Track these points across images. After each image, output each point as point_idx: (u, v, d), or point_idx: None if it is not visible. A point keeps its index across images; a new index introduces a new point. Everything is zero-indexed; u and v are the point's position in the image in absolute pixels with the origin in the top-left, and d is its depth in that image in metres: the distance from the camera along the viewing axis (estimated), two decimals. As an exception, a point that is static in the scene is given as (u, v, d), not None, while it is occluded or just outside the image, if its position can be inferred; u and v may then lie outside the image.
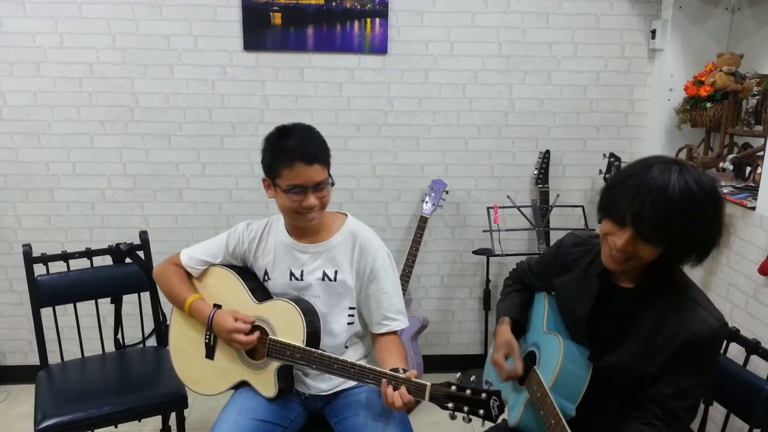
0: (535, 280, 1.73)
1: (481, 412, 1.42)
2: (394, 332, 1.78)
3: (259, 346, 1.72)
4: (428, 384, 1.48)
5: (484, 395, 1.42)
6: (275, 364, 1.68)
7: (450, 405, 1.45)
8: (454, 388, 1.45)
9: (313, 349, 1.63)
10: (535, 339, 1.64)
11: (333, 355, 1.61)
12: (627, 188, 1.25)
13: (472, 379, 1.49)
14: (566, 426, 1.34)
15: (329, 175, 1.68)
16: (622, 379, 1.42)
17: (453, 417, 1.48)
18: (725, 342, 1.68)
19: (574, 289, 1.52)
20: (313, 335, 1.68)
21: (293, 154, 1.60)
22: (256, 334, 1.69)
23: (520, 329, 1.70)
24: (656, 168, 1.24)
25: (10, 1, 2.63)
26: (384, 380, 1.52)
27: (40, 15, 2.66)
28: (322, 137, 1.69)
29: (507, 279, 1.84)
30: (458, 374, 1.52)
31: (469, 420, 1.46)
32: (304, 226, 1.72)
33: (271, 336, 1.69)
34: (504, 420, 1.69)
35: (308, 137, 1.65)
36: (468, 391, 1.43)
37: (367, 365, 1.58)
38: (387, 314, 1.76)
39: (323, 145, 1.67)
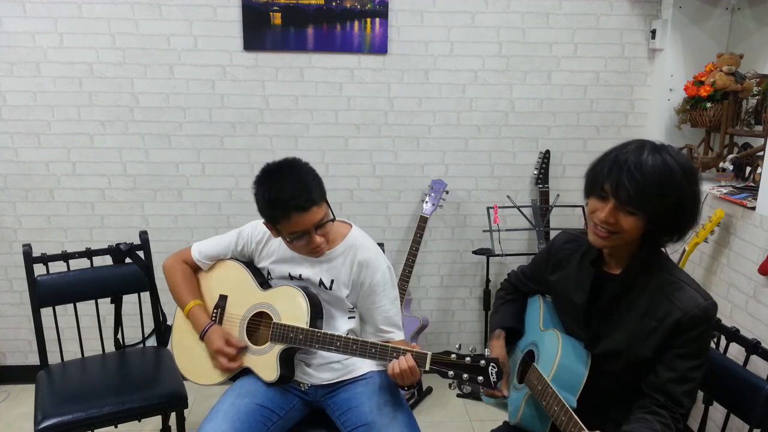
0: (530, 283, 1.77)
1: (480, 378, 1.47)
2: None
3: (263, 332, 1.77)
4: (428, 353, 1.53)
5: (482, 362, 1.47)
6: (278, 348, 1.72)
7: (450, 373, 1.50)
8: (453, 356, 1.50)
9: (315, 329, 1.67)
10: (532, 338, 1.66)
11: (335, 334, 1.66)
12: (605, 164, 1.36)
13: (471, 348, 1.51)
14: (571, 412, 1.35)
15: (329, 207, 1.67)
16: (618, 365, 1.45)
17: (452, 386, 1.52)
18: (726, 341, 1.68)
19: (570, 281, 1.56)
20: (316, 317, 1.72)
21: (289, 207, 1.58)
22: (238, 363, 1.75)
23: (515, 336, 1.73)
24: (632, 145, 1.37)
25: (10, 1, 2.63)
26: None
27: (40, 15, 2.66)
28: (313, 172, 1.66)
29: (499, 290, 1.87)
30: (458, 344, 1.56)
31: (469, 390, 1.51)
32: (317, 258, 1.76)
33: (275, 321, 1.73)
34: (505, 422, 1.70)
35: (300, 180, 1.61)
36: (467, 359, 1.48)
37: (369, 340, 1.63)
38: (382, 327, 1.80)
39: (316, 181, 1.64)
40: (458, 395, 2.89)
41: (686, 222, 1.38)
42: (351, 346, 1.63)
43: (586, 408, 1.42)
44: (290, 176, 1.63)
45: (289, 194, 1.58)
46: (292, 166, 1.66)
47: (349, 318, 1.82)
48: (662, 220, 1.35)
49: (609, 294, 1.47)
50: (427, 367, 1.53)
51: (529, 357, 1.63)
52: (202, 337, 1.79)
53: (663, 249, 1.47)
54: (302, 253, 1.73)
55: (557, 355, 1.48)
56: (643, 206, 1.31)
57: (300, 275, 1.78)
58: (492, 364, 1.46)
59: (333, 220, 1.69)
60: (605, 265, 1.50)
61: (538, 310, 1.71)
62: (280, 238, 1.81)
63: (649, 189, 1.29)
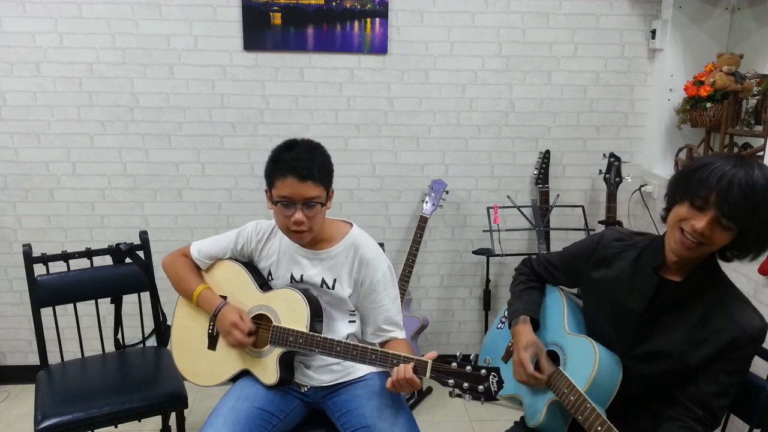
0: (559, 274, 1.72)
1: (481, 388, 1.46)
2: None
3: (262, 334, 1.75)
4: (429, 361, 1.52)
5: (483, 371, 1.45)
6: (277, 351, 1.71)
7: (450, 381, 1.49)
8: (454, 364, 1.49)
9: (316, 334, 1.67)
10: (555, 339, 1.62)
11: (335, 339, 1.65)
12: (711, 173, 1.29)
13: (472, 356, 1.50)
14: (615, 430, 1.34)
15: (327, 196, 1.69)
16: (659, 368, 1.44)
17: (452, 394, 1.50)
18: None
19: (621, 284, 1.52)
20: (316, 320, 1.71)
21: (288, 166, 1.62)
22: (252, 338, 1.72)
23: (535, 327, 1.68)
24: (733, 160, 1.29)
25: (10, 1, 2.63)
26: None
27: (40, 15, 2.66)
28: (326, 156, 1.69)
29: (519, 275, 1.81)
30: (459, 352, 1.54)
31: (470, 398, 1.48)
32: (297, 243, 1.76)
33: (274, 323, 1.72)
34: (516, 423, 1.68)
35: (309, 153, 1.65)
36: (468, 368, 1.47)
37: (369, 346, 1.62)
38: (382, 326, 1.79)
39: (324, 165, 1.67)
40: (457, 395, 2.89)
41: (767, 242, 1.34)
42: (351, 351, 1.62)
43: (614, 415, 1.41)
44: (303, 148, 1.67)
45: (293, 157, 1.63)
46: (311, 143, 1.70)
47: (350, 322, 1.81)
48: (752, 238, 1.32)
49: (667, 300, 1.44)
50: (428, 376, 1.52)
51: (552, 359, 1.58)
52: (215, 315, 1.76)
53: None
54: (283, 228, 1.70)
55: (594, 369, 1.45)
56: (743, 222, 1.28)
57: (301, 276, 1.77)
58: (493, 373, 1.44)
59: (323, 205, 1.68)
60: (664, 271, 1.46)
61: (560, 306, 1.66)
62: (280, 239, 1.81)
63: (756, 205, 1.26)
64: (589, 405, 1.39)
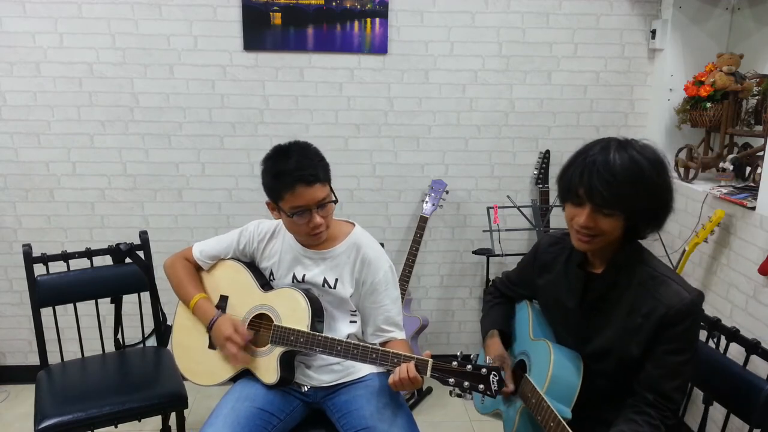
0: (518, 288, 1.77)
1: (481, 387, 1.46)
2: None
3: (263, 334, 1.76)
4: (430, 359, 1.52)
5: (484, 370, 1.46)
6: (278, 351, 1.71)
7: (451, 380, 1.49)
8: (455, 363, 1.49)
9: (316, 333, 1.67)
10: (523, 348, 1.65)
11: (336, 338, 1.65)
12: (575, 169, 1.36)
13: (473, 355, 1.50)
14: (567, 427, 1.35)
15: (331, 190, 1.70)
16: (609, 365, 1.45)
17: (452, 393, 1.51)
18: (726, 341, 1.68)
19: (559, 284, 1.56)
20: (317, 320, 1.72)
21: (293, 177, 1.61)
22: (247, 356, 1.73)
23: (506, 340, 1.72)
24: (597, 146, 1.36)
25: (10, 1, 2.63)
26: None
27: (40, 15, 2.66)
28: (320, 154, 1.70)
29: (486, 295, 1.86)
30: (459, 351, 1.55)
31: (470, 396, 1.49)
32: (314, 244, 1.76)
33: (276, 323, 1.72)
34: None
35: (306, 157, 1.65)
36: (469, 367, 1.47)
37: (370, 345, 1.63)
38: (382, 326, 1.80)
39: (322, 163, 1.68)
40: (457, 395, 2.89)
41: (663, 212, 1.38)
42: (352, 350, 1.62)
43: (581, 411, 1.42)
44: (298, 153, 1.66)
45: (295, 166, 1.62)
46: (302, 145, 1.70)
47: (351, 322, 1.81)
48: (640, 215, 1.35)
49: (594, 294, 1.47)
50: (428, 374, 1.53)
51: (520, 367, 1.61)
52: (210, 328, 1.77)
53: (641, 242, 1.47)
54: (301, 234, 1.71)
55: (550, 367, 1.46)
56: (618, 206, 1.32)
57: (303, 276, 1.78)
58: (493, 372, 1.45)
59: (335, 201, 1.70)
60: (590, 266, 1.50)
61: (526, 317, 1.70)
62: (282, 239, 1.81)
63: (621, 189, 1.30)
64: (545, 404, 1.41)
